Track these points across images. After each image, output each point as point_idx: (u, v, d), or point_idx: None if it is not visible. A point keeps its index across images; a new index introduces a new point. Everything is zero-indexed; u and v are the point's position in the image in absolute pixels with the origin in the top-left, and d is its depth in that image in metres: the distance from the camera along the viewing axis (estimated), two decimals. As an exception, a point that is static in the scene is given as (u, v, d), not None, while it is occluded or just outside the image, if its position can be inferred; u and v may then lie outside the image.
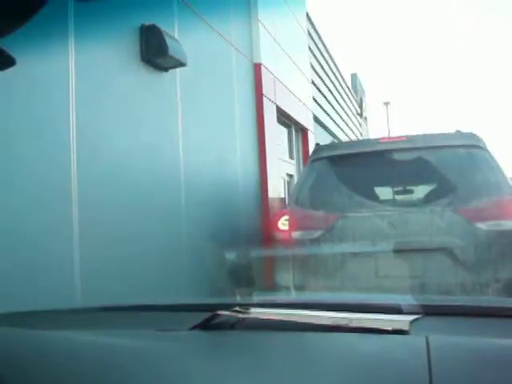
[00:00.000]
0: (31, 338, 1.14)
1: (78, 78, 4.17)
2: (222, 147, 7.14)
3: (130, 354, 1.13)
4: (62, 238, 3.92)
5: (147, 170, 5.11)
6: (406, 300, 1.45)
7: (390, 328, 1.15)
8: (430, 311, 1.37)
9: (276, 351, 1.16)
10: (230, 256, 5.57)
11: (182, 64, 5.63)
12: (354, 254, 4.77)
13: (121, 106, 4.81)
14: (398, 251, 4.53)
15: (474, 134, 5.24)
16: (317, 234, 4.89)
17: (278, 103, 9.52)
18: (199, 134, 6.30)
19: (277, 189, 9.26)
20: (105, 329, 1.39)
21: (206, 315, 1.27)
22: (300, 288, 4.79)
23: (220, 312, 1.27)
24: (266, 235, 6.94)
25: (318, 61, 14.03)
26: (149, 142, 5.20)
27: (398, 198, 5.51)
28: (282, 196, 9.71)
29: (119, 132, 4.75)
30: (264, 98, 8.82)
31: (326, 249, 4.79)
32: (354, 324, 1.20)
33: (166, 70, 5.60)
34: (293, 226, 5.02)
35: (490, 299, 3.13)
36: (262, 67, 8.82)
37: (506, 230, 4.56)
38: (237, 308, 1.30)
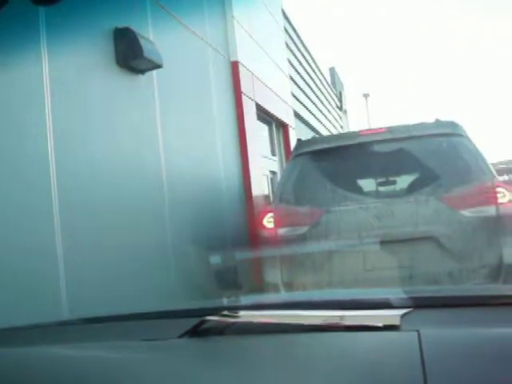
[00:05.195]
0: (11, 355, 1.10)
1: (52, 84, 4.10)
2: (203, 147, 7.10)
3: (117, 367, 1.10)
4: (44, 249, 3.86)
5: (128, 173, 5.05)
6: (395, 294, 1.44)
7: (381, 324, 1.13)
8: (420, 304, 1.36)
9: (267, 355, 1.14)
10: (216, 257, 5.53)
11: (157, 66, 5.58)
12: (341, 248, 4.77)
13: (98, 111, 4.75)
14: (385, 243, 4.53)
15: (454, 122, 5.26)
16: (302, 229, 4.87)
17: (257, 100, 9.49)
18: (179, 135, 6.25)
19: (260, 186, 9.24)
20: (89, 342, 1.35)
21: (194, 321, 1.24)
22: (289, 285, 4.78)
23: (208, 317, 1.24)
24: (251, 234, 6.92)
25: (295, 56, 14.04)
26: (128, 145, 5.15)
27: (382, 189, 5.51)
28: (266, 193, 9.70)
29: (98, 136, 4.69)
30: (243, 95, 8.78)
31: (312, 244, 4.77)
32: (344, 322, 1.18)
33: (142, 72, 5.54)
34: (278, 223, 5.00)
35: (479, 288, 3.14)
36: (240, 65, 8.78)
37: (489, 216, 4.59)
38: (225, 312, 1.27)
